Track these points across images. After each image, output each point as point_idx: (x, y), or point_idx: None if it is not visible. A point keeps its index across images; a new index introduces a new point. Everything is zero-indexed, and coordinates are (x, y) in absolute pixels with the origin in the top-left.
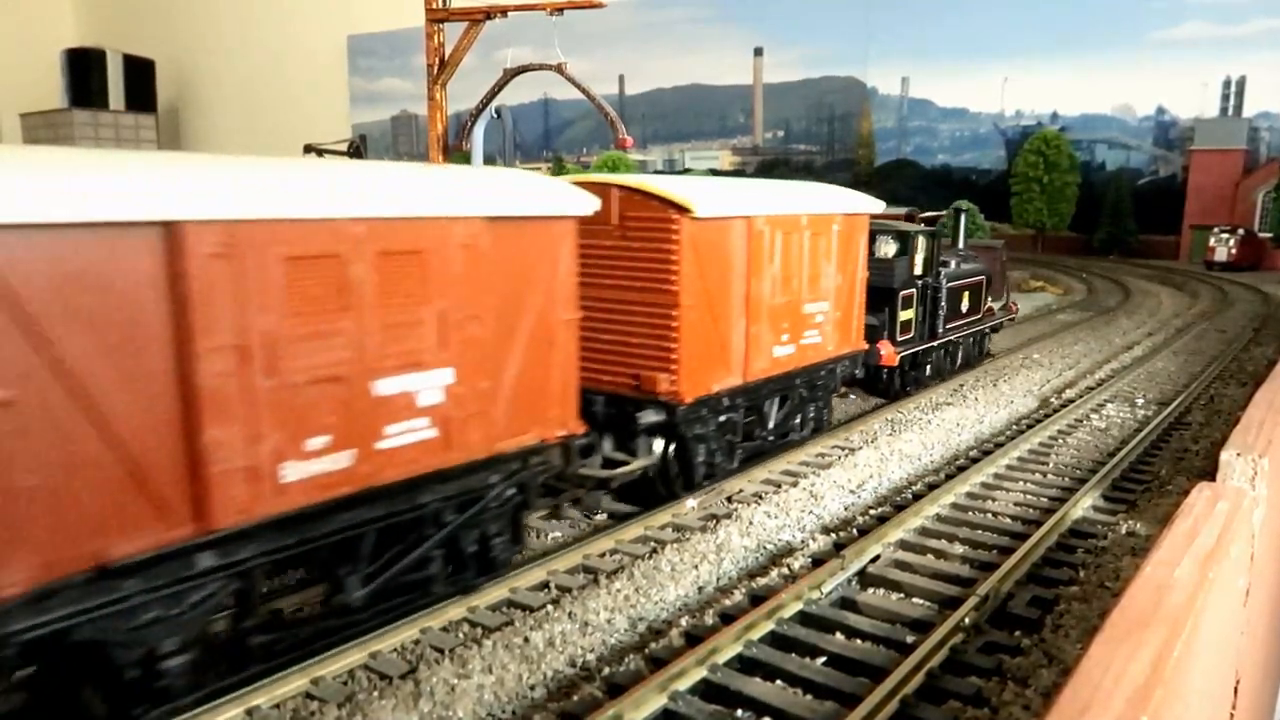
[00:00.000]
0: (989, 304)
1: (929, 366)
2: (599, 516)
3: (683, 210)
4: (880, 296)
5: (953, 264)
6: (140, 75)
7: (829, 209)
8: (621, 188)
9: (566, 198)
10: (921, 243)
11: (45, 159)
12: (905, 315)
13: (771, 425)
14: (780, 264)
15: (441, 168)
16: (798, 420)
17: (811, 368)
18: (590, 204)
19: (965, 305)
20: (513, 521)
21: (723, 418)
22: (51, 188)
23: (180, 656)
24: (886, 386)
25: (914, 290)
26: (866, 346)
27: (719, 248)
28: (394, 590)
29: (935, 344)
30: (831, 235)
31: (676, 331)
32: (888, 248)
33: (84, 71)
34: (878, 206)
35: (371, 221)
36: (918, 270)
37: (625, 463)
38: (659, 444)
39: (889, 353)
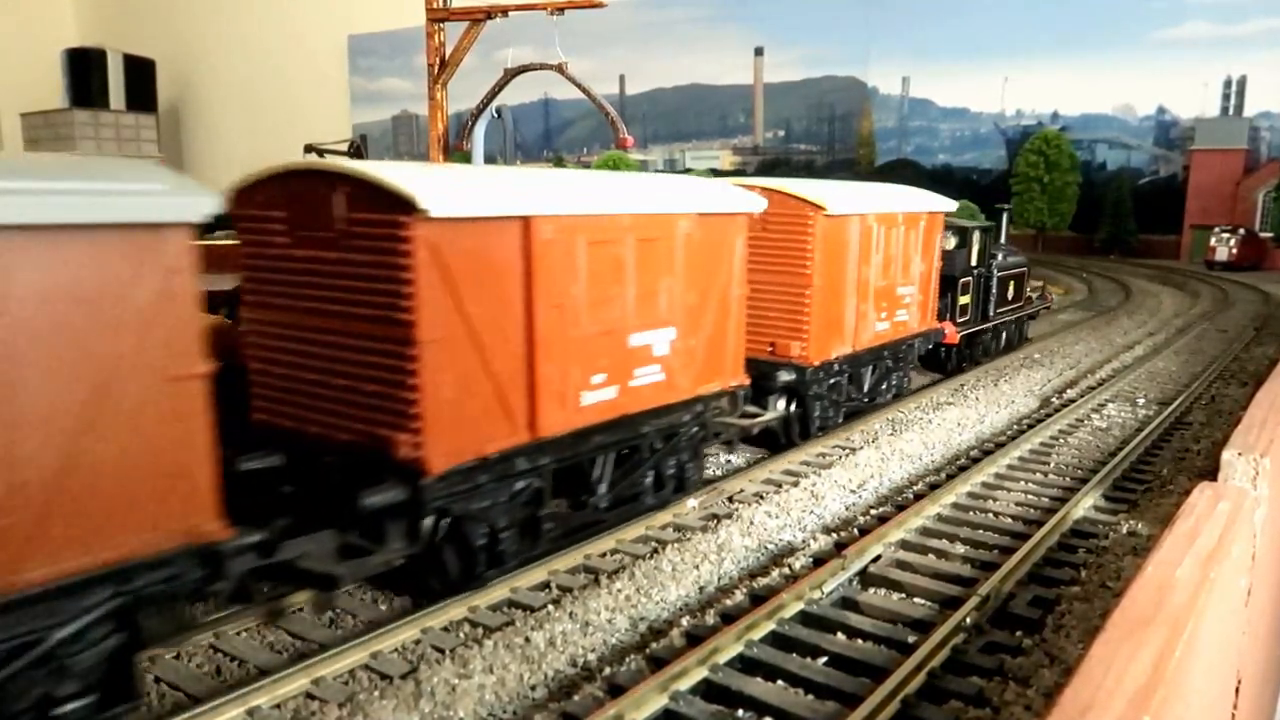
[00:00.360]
0: (1028, 293)
1: (980, 346)
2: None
3: (818, 208)
4: (943, 283)
5: (1000, 257)
6: (141, 75)
7: (917, 208)
8: (765, 189)
9: (745, 198)
10: (977, 237)
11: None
12: (963, 300)
13: (866, 389)
14: (883, 253)
15: (667, 177)
16: (884, 385)
17: (899, 341)
18: (761, 203)
19: (1010, 293)
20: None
21: (834, 380)
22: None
23: (508, 533)
24: (945, 362)
25: (970, 278)
26: (940, 325)
27: (840, 239)
28: (624, 499)
29: (987, 326)
30: (919, 229)
31: (808, 307)
32: (949, 241)
33: (84, 71)
34: (951, 206)
35: (636, 215)
36: (973, 261)
37: (759, 415)
38: (781, 402)
39: (951, 332)
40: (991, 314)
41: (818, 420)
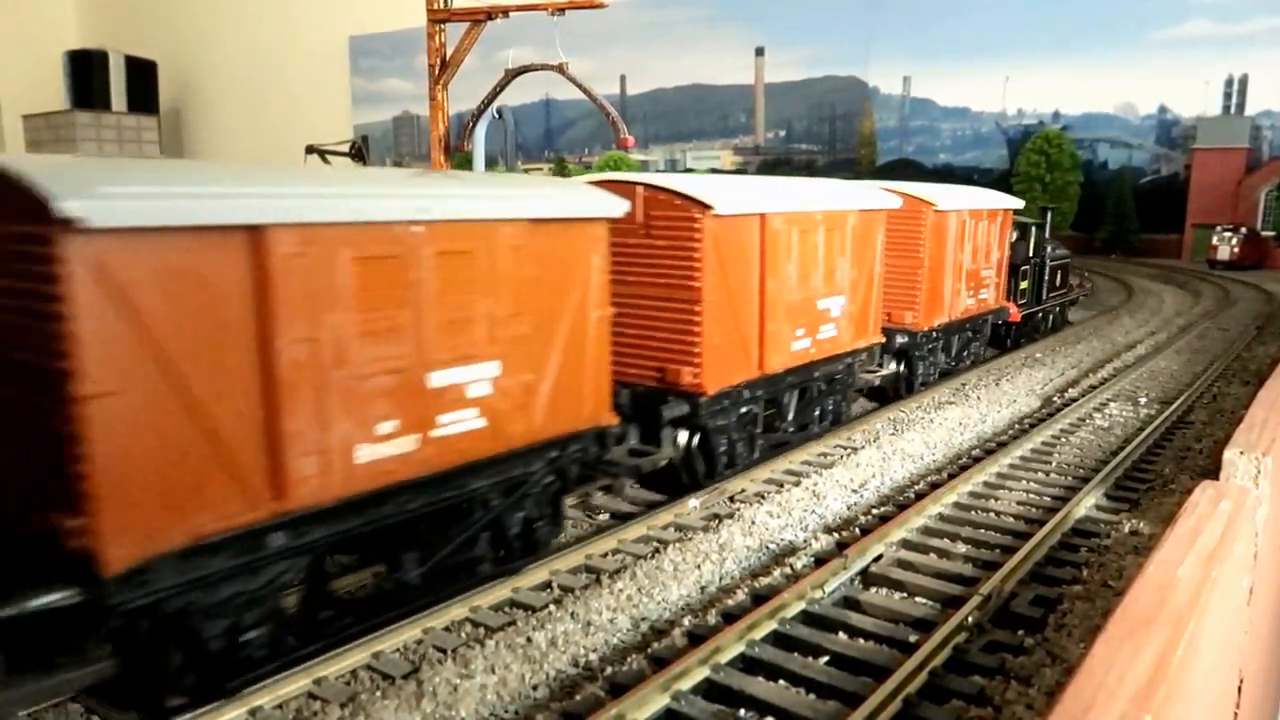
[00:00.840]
0: (1071, 282)
1: (1033, 325)
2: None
3: (929, 205)
4: (1006, 270)
5: (1049, 249)
6: (142, 76)
7: (996, 205)
8: (896, 193)
9: (884, 198)
10: (1034, 232)
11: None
12: (1023, 285)
13: (953, 353)
14: (971, 242)
15: (813, 181)
16: (965, 353)
17: (982, 314)
18: (895, 201)
19: (1058, 280)
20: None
21: (932, 345)
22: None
23: (739, 443)
24: (1005, 338)
25: (1028, 267)
26: (1006, 304)
27: (946, 230)
28: (802, 426)
29: (1040, 308)
30: (997, 223)
31: (922, 282)
32: (1011, 234)
33: (86, 73)
34: (1019, 204)
35: (825, 212)
36: (1030, 252)
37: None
38: (893, 363)
39: (1014, 311)
40: (1044, 298)
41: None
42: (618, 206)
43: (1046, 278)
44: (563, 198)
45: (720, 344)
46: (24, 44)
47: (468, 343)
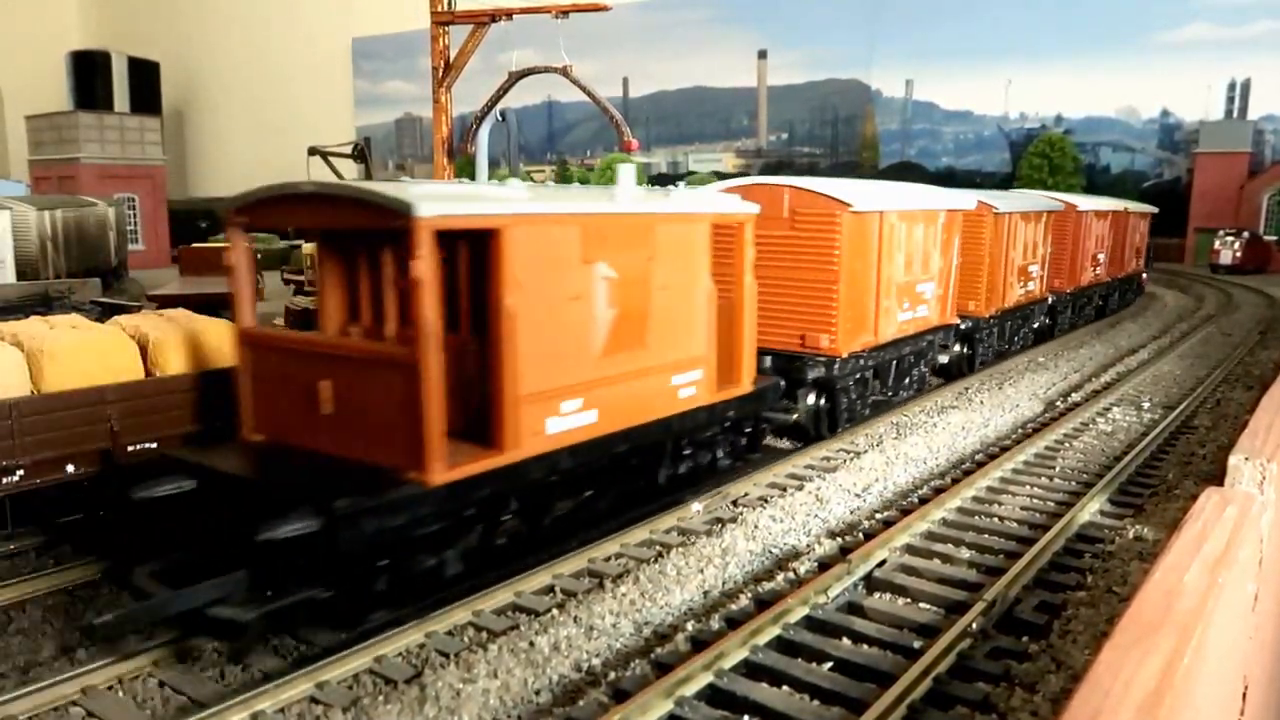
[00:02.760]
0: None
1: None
2: None
3: (1072, 206)
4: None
5: None
6: (145, 77)
7: (1116, 207)
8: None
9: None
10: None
11: None
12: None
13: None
14: (1097, 235)
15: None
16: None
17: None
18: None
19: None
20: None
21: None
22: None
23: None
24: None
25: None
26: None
27: (1079, 226)
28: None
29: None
30: (1110, 220)
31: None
32: None
33: (89, 74)
34: (1126, 205)
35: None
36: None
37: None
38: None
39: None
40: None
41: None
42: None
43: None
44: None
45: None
46: (27, 45)
47: (928, 269)
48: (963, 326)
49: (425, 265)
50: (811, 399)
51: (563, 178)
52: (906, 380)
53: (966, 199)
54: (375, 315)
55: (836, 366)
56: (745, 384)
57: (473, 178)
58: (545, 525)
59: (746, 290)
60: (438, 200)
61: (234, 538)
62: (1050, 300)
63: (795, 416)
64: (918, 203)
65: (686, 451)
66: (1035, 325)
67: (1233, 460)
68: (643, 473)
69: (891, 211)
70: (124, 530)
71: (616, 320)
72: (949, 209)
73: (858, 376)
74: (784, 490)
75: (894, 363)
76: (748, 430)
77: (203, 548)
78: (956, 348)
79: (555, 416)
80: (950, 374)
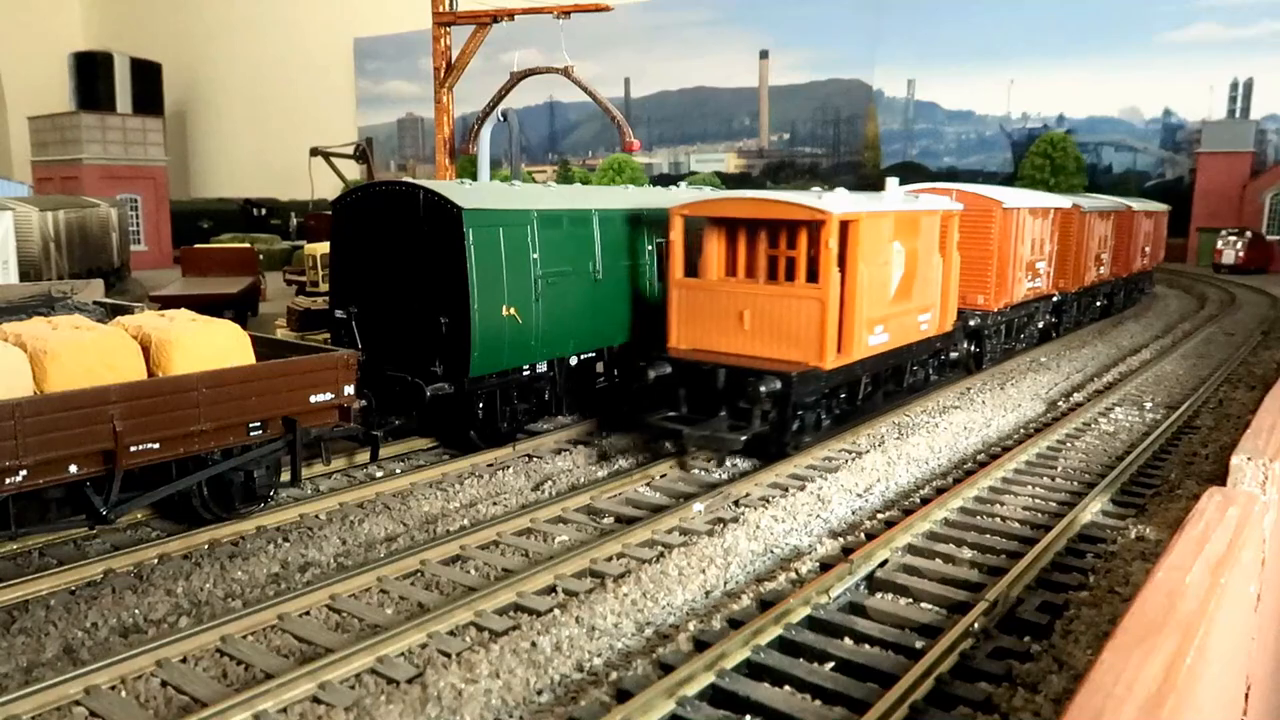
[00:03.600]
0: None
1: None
2: None
3: (1131, 209)
4: None
5: None
6: (147, 78)
7: (1152, 208)
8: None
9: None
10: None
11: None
12: None
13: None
14: (1137, 231)
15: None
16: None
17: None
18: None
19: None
20: None
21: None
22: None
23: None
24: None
25: None
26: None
27: (1132, 225)
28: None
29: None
30: (1156, 219)
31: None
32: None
33: (91, 75)
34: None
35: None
36: None
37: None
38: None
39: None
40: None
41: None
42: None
43: None
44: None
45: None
46: (30, 46)
47: (1042, 253)
48: (1055, 299)
49: (833, 241)
50: (966, 343)
51: (564, 178)
52: (1022, 336)
53: (1065, 201)
54: (770, 270)
55: (988, 319)
56: (949, 325)
57: (474, 178)
58: (857, 403)
59: (953, 262)
60: (839, 205)
61: (709, 400)
62: (1113, 283)
63: (956, 355)
64: (1039, 201)
65: (914, 367)
66: (1098, 302)
67: (1235, 460)
68: (898, 377)
69: (1024, 208)
70: (639, 395)
71: (901, 279)
72: (1057, 206)
73: (998, 327)
74: (785, 490)
75: (1020, 320)
76: (942, 358)
77: (690, 406)
78: (1049, 317)
79: (872, 336)
80: (1047, 336)
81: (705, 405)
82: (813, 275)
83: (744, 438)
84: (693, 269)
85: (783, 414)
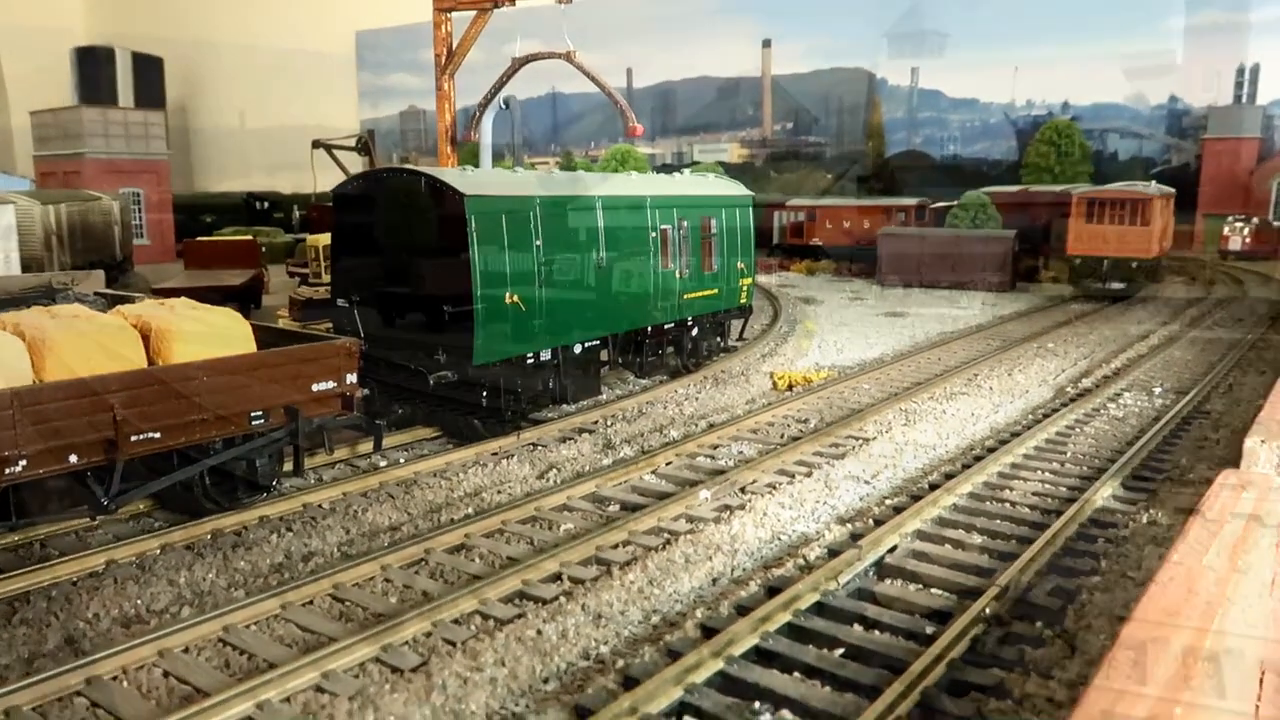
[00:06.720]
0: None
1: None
2: None
3: (1149, 197)
4: None
5: None
6: (149, 72)
7: (1161, 192)
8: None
9: (1165, 190)
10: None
11: None
12: None
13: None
14: (1159, 223)
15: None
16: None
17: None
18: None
19: None
20: None
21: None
22: None
23: None
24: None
25: None
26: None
27: (1163, 214)
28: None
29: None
30: (1169, 203)
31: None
32: None
33: (93, 69)
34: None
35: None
36: None
37: None
38: None
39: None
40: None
41: None
42: (1172, 190)
43: None
44: (1153, 187)
45: (1157, 240)
46: (31, 40)
47: None
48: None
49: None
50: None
51: (567, 170)
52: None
53: (1165, 190)
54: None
55: (1145, 263)
56: None
57: (477, 166)
58: None
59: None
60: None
61: None
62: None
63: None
64: (1166, 190)
65: None
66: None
67: (1248, 443)
68: None
69: (1163, 196)
70: None
71: None
72: (1162, 194)
73: (1150, 269)
74: (793, 477)
75: (1157, 267)
76: None
77: None
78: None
79: None
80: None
81: None
82: None
83: None
84: None
85: None
